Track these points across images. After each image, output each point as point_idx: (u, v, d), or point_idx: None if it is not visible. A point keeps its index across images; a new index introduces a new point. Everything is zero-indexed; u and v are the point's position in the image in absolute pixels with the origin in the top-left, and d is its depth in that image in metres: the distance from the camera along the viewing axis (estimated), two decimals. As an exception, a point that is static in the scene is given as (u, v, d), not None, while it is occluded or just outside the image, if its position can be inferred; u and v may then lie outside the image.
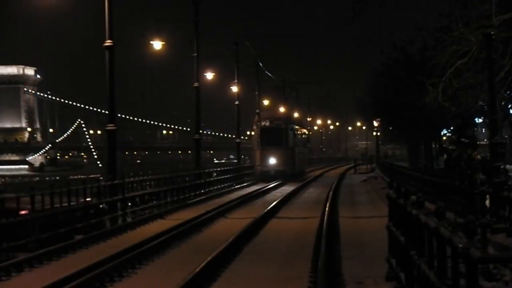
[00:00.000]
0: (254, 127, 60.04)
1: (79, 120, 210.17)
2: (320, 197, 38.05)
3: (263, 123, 58.18)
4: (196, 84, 42.75)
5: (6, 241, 18.16)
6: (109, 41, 26.75)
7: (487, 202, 16.99)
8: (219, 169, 48.69)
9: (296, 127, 63.20)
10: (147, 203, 29.20)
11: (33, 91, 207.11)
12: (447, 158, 25.44)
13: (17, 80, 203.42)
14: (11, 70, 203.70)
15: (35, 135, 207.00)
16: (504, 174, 17.86)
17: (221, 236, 20.77)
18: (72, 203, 21.92)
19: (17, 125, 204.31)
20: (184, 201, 34.05)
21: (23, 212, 19.39)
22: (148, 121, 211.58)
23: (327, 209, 27.47)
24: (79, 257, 18.03)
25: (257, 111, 63.29)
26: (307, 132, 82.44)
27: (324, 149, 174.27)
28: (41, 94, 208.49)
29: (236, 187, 47.77)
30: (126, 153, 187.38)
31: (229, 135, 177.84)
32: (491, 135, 18.70)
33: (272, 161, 57.18)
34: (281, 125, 58.04)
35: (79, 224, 22.14)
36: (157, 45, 40.93)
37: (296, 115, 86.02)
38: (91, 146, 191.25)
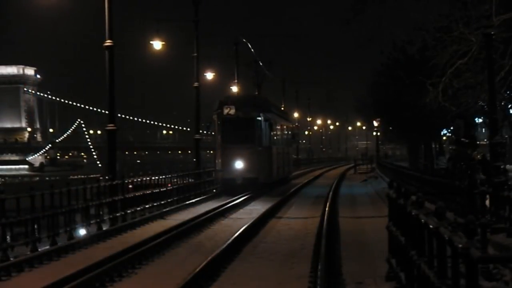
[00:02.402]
0: (214, 116, 41.22)
1: (79, 120, 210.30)
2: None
3: (225, 111, 40.05)
4: (196, 84, 42.75)
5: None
6: (109, 41, 26.74)
7: (487, 202, 16.99)
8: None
9: (276, 117, 46.60)
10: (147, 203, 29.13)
11: (33, 91, 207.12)
12: (449, 159, 25.40)
13: (17, 80, 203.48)
14: (11, 70, 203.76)
15: (35, 135, 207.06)
16: (504, 174, 17.86)
17: None
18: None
19: (17, 125, 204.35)
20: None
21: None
22: (148, 121, 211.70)
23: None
24: (79, 257, 18.02)
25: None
26: (292, 127, 62.13)
27: (324, 149, 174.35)
28: (41, 94, 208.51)
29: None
30: (126, 153, 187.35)
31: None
32: (491, 135, 18.71)
33: (239, 165, 40.05)
34: (251, 114, 40.36)
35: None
36: (157, 45, 40.95)
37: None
38: (91, 146, 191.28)
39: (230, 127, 40.25)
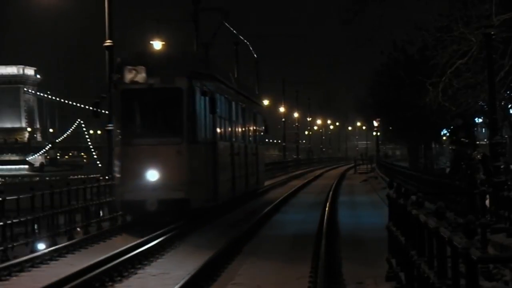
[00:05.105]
0: (113, 91, 24.36)
1: (79, 120, 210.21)
2: None
3: (128, 76, 23.30)
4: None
5: None
6: (109, 41, 26.75)
7: (487, 202, 16.99)
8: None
9: (229, 91, 29.01)
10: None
11: (33, 91, 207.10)
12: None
13: (17, 80, 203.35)
14: (11, 70, 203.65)
15: (35, 135, 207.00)
16: (505, 173, 17.86)
17: None
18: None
19: (17, 125, 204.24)
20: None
21: None
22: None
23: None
24: (80, 257, 18.02)
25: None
26: (262, 111, 41.38)
27: (324, 149, 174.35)
28: (41, 94, 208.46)
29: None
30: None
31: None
32: (491, 135, 18.70)
33: (152, 176, 22.96)
34: (175, 81, 23.52)
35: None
36: (157, 45, 40.94)
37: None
38: (91, 146, 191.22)
39: (136, 107, 24.06)
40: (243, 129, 32.62)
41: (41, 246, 19.40)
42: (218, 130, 26.11)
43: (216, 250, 17.42)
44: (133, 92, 23.45)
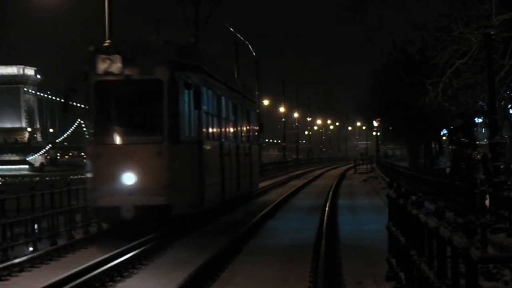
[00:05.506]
0: (85, 83, 21.50)
1: (79, 120, 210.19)
2: None
3: (101, 66, 20.76)
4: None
5: None
6: (109, 41, 26.74)
7: (487, 202, 17.00)
8: None
9: (217, 85, 26.00)
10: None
11: (33, 91, 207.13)
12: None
13: (17, 80, 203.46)
14: (11, 70, 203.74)
15: (35, 135, 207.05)
16: (505, 173, 17.88)
17: None
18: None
19: (17, 125, 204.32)
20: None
21: None
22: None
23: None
24: (79, 257, 18.02)
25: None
26: (254, 108, 38.51)
27: (324, 149, 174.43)
28: (41, 94, 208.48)
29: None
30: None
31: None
32: (491, 135, 18.72)
33: (128, 179, 20.62)
34: (155, 71, 21.07)
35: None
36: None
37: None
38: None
39: (110, 102, 21.71)
40: (235, 127, 29.71)
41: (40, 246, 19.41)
42: (205, 127, 23.43)
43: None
44: (107, 84, 20.97)
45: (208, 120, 23.98)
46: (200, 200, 22.12)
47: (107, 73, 20.62)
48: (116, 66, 20.57)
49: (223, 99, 26.77)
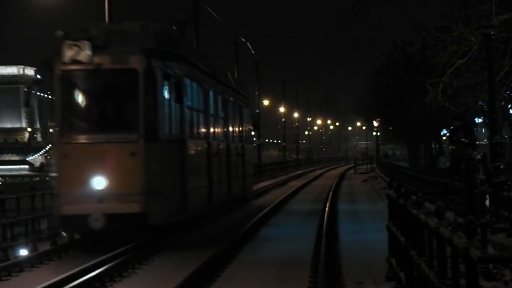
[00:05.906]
0: (50, 73, 18.56)
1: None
2: None
3: (68, 54, 17.90)
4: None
5: None
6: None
7: (487, 202, 17.00)
8: None
9: (202, 76, 23.15)
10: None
11: (33, 91, 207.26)
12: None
13: (17, 80, 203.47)
14: (11, 70, 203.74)
15: (35, 135, 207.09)
16: (504, 173, 17.88)
17: None
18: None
19: (17, 125, 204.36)
20: None
21: None
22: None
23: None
24: (79, 257, 18.01)
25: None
26: (247, 103, 34.12)
27: (324, 149, 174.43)
28: (41, 94, 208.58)
29: None
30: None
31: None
32: (491, 135, 18.72)
33: (98, 183, 17.82)
34: (129, 59, 18.25)
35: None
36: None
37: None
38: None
39: (78, 94, 18.90)
40: (225, 124, 26.84)
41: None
42: (189, 124, 20.66)
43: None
44: (75, 74, 18.36)
45: (192, 116, 21.37)
46: (181, 206, 19.40)
47: (74, 61, 17.94)
48: (85, 54, 17.89)
49: (211, 93, 24.07)
